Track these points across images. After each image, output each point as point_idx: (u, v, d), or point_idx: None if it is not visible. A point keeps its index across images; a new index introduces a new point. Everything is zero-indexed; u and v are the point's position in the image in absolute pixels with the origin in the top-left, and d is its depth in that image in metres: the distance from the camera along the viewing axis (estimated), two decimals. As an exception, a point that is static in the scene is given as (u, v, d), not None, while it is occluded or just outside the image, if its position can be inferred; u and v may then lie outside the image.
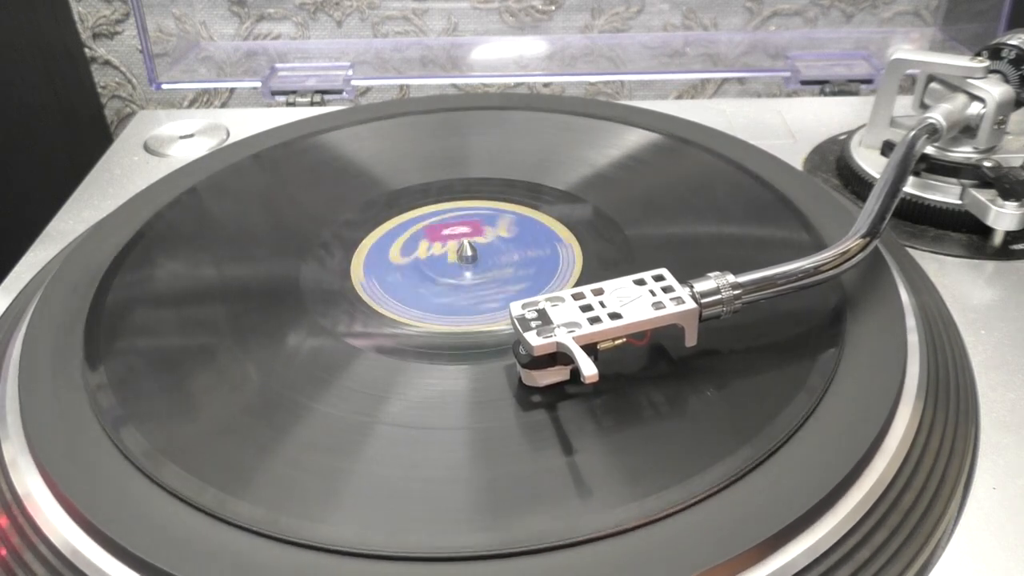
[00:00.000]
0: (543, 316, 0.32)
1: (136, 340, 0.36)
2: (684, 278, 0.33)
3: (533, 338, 0.31)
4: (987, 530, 0.30)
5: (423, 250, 0.41)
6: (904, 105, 0.51)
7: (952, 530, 0.30)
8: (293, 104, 0.66)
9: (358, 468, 0.29)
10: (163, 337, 0.36)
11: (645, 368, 0.33)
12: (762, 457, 0.29)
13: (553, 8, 0.75)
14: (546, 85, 0.80)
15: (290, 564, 0.26)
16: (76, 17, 0.76)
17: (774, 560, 0.27)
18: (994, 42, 0.47)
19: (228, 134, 0.59)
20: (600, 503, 0.28)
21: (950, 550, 0.29)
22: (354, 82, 0.68)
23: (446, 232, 0.42)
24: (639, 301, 0.32)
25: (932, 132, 0.43)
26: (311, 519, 0.27)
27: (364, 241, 0.42)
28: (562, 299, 0.33)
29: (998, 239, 0.44)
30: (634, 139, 0.50)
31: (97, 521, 0.28)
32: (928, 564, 0.29)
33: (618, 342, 0.32)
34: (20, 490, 0.30)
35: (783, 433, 0.30)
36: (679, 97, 0.81)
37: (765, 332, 0.35)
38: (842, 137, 0.55)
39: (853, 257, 0.35)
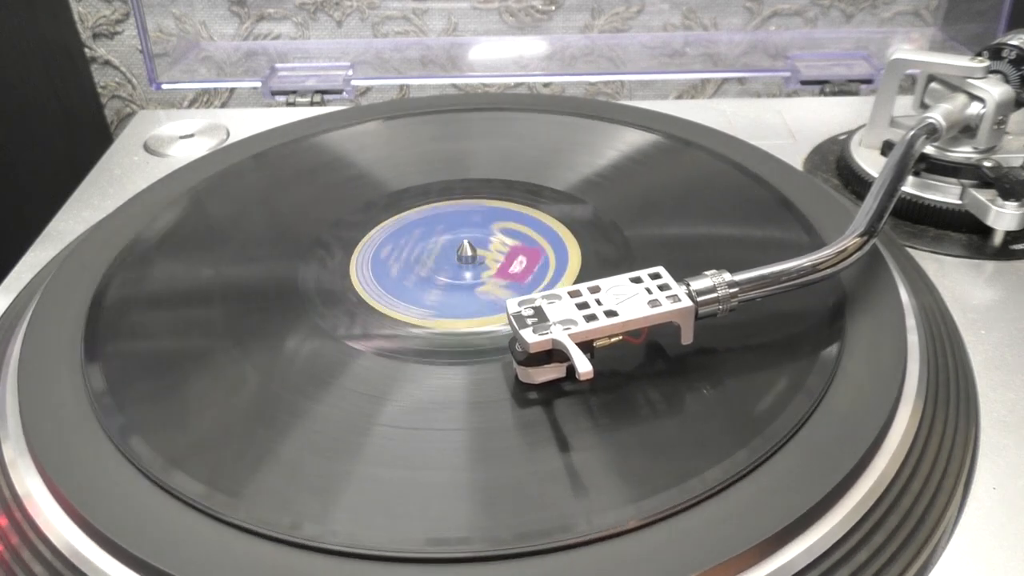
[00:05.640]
0: (539, 313, 0.32)
1: (135, 340, 0.36)
2: (684, 278, 0.33)
3: (529, 335, 0.31)
4: (987, 530, 0.30)
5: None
6: (904, 105, 0.51)
7: (952, 530, 0.30)
8: (293, 104, 0.66)
9: (357, 469, 0.29)
10: (162, 337, 0.36)
11: (643, 366, 0.33)
12: (762, 457, 0.29)
13: (553, 8, 0.75)
14: (546, 85, 0.80)
15: (290, 564, 0.26)
16: (76, 17, 0.76)
17: (774, 560, 0.27)
18: (995, 42, 0.47)
19: (228, 134, 0.59)
20: (599, 504, 0.28)
21: (950, 550, 0.29)
22: (354, 82, 0.68)
23: (512, 271, 0.39)
24: (635, 299, 0.32)
25: (931, 132, 0.43)
26: (310, 520, 0.27)
27: (364, 241, 0.42)
28: (558, 297, 0.33)
29: (998, 239, 0.44)
30: (634, 139, 0.50)
31: (96, 521, 0.28)
32: (928, 564, 0.29)
33: (614, 340, 0.32)
34: (20, 490, 0.30)
35: (783, 433, 0.30)
36: (679, 97, 0.81)
37: (765, 332, 0.35)
38: (842, 137, 0.55)
39: (850, 256, 0.35)
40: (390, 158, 0.50)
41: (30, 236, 0.48)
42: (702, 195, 0.45)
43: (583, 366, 0.29)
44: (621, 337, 0.32)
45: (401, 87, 0.79)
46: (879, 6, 0.75)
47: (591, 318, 0.32)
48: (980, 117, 0.45)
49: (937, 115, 0.44)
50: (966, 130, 0.46)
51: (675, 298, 0.32)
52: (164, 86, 0.69)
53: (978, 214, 0.44)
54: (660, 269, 0.34)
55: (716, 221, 0.43)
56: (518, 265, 0.39)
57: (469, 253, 0.40)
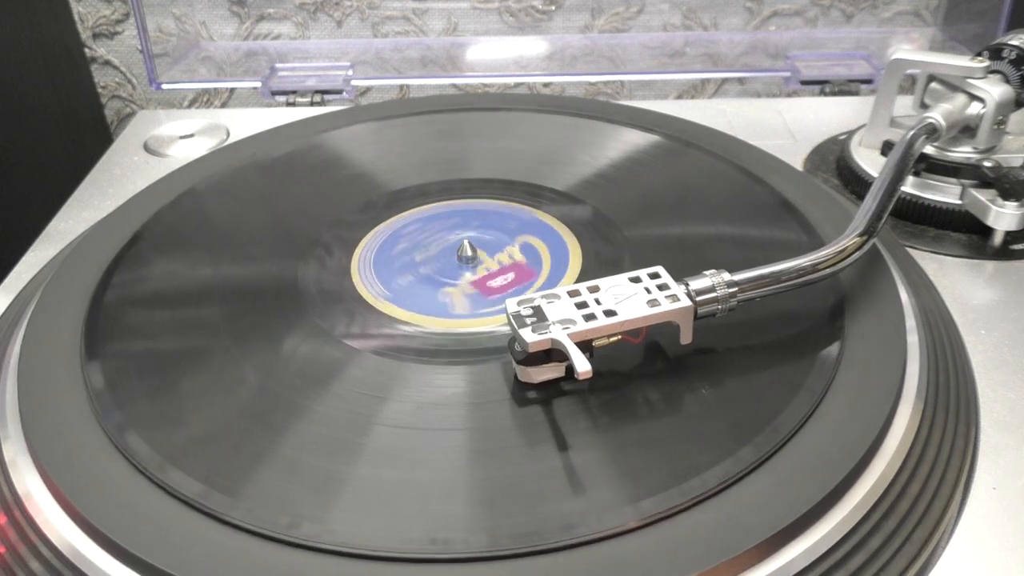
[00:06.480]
0: (539, 313, 0.32)
1: (135, 340, 0.36)
2: (683, 278, 0.33)
3: (528, 335, 0.31)
4: (987, 530, 0.30)
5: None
6: (904, 105, 0.51)
7: (952, 530, 0.30)
8: (293, 104, 0.66)
9: (356, 469, 0.29)
10: (162, 337, 0.36)
11: (642, 366, 0.33)
12: (762, 457, 0.29)
13: (553, 8, 0.75)
14: (546, 85, 0.80)
15: (289, 564, 0.26)
16: (76, 17, 0.76)
17: (774, 560, 0.27)
18: (995, 42, 0.47)
19: (228, 134, 0.59)
20: (599, 503, 0.28)
21: (950, 550, 0.29)
22: (354, 82, 0.68)
23: (492, 284, 0.39)
24: (634, 299, 0.32)
25: (931, 132, 0.43)
26: (310, 519, 0.27)
27: (363, 241, 0.42)
28: (558, 296, 0.33)
29: (998, 239, 0.44)
30: (634, 139, 0.50)
31: (96, 521, 0.28)
32: (928, 564, 0.29)
33: (613, 339, 0.32)
34: (20, 490, 0.30)
35: (783, 433, 0.30)
36: (679, 97, 0.81)
37: (766, 332, 0.35)
38: (842, 137, 0.55)
39: (850, 256, 0.35)
40: (390, 158, 0.50)
41: (30, 236, 0.49)
42: (702, 195, 0.45)
43: (581, 365, 0.29)
44: (620, 337, 0.32)
45: (401, 87, 0.79)
46: (879, 6, 0.75)
47: (590, 318, 0.32)
48: (980, 117, 0.45)
49: (937, 115, 0.44)
50: (966, 130, 0.46)
51: (674, 298, 0.32)
52: (164, 86, 0.69)
53: (978, 214, 0.44)
54: (659, 269, 0.34)
55: (716, 221, 0.43)
56: (501, 280, 0.39)
57: (469, 253, 0.40)
